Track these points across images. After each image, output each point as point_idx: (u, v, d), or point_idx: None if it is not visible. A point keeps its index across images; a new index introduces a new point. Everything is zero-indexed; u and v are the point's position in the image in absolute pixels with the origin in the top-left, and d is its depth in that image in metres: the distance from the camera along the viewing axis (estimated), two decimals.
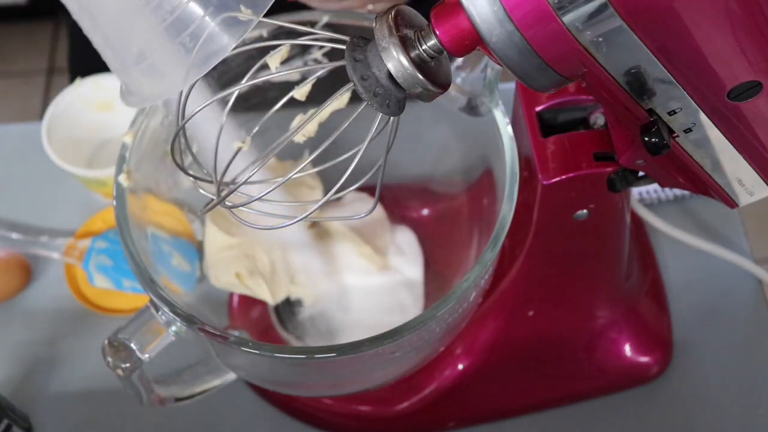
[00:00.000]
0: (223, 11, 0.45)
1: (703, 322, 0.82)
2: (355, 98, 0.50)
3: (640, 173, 0.61)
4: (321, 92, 0.54)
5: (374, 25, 0.46)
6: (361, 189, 0.57)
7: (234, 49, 0.48)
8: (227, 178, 0.56)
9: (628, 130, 0.57)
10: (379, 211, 0.81)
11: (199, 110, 0.53)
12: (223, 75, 0.67)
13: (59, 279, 0.84)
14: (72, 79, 1.05)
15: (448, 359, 0.76)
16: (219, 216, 0.75)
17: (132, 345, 0.58)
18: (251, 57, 0.64)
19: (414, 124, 0.64)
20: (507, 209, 0.60)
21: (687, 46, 0.43)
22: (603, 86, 0.46)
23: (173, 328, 0.59)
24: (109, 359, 0.59)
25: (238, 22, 0.46)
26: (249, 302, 0.78)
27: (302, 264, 0.78)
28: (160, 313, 0.59)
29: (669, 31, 0.42)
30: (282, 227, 0.53)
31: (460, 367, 0.77)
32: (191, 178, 0.57)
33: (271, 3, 0.46)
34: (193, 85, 0.54)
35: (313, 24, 0.67)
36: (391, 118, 0.50)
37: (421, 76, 0.46)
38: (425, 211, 0.83)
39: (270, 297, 0.76)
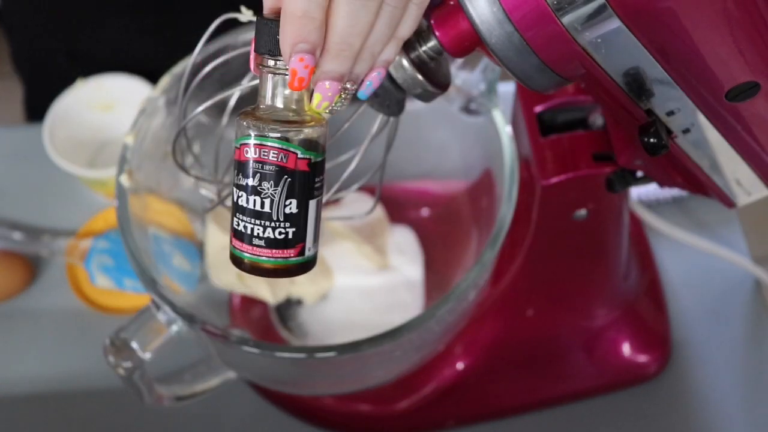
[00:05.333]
0: None
1: (701, 321, 0.82)
2: (355, 99, 0.51)
3: (639, 173, 0.62)
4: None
5: None
6: (361, 189, 0.58)
7: (235, 50, 0.49)
8: (228, 179, 0.57)
9: (627, 131, 0.57)
10: (379, 211, 0.81)
11: (200, 110, 0.53)
12: (224, 76, 0.67)
13: (61, 279, 0.85)
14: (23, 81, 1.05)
15: (448, 358, 0.77)
16: (220, 216, 0.75)
17: (133, 344, 0.59)
18: None
19: (414, 124, 0.64)
20: (506, 209, 0.61)
21: (685, 47, 0.43)
22: (602, 87, 0.47)
23: (174, 327, 0.59)
24: (111, 358, 0.59)
25: None
26: (250, 302, 0.78)
27: None
28: (161, 312, 0.59)
29: (667, 32, 0.42)
30: None
31: (460, 366, 0.77)
32: (193, 178, 0.57)
33: None
34: (193, 86, 0.54)
35: None
36: (391, 118, 0.50)
37: (420, 77, 0.47)
38: (425, 211, 0.83)
39: (271, 296, 0.76)
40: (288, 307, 0.79)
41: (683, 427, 0.77)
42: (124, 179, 0.63)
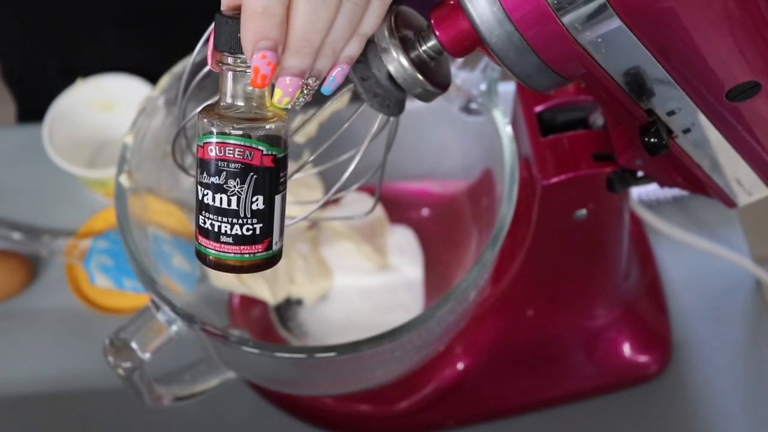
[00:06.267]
0: None
1: (702, 321, 0.82)
2: (355, 99, 0.51)
3: (639, 173, 0.62)
4: (321, 93, 0.55)
5: None
6: (361, 189, 0.58)
7: None
8: None
9: (628, 131, 0.57)
10: (379, 211, 0.81)
11: (200, 110, 0.53)
12: None
13: (61, 279, 0.85)
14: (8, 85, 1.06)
15: (448, 358, 0.77)
16: None
17: (133, 344, 0.59)
18: None
19: (414, 124, 0.64)
20: (506, 209, 0.61)
21: (686, 46, 0.43)
22: (602, 87, 0.47)
23: (174, 327, 0.59)
24: (111, 359, 0.59)
25: None
26: (249, 302, 0.78)
27: (302, 263, 0.78)
28: (160, 312, 0.59)
29: (668, 31, 0.42)
30: None
31: (460, 366, 0.77)
32: (192, 178, 0.57)
33: None
34: (193, 86, 0.54)
35: None
36: (391, 118, 0.50)
37: (420, 77, 0.47)
38: (425, 211, 0.83)
39: (271, 297, 0.76)
40: (288, 307, 0.79)
41: (683, 427, 0.77)
42: (124, 179, 0.63)
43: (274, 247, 0.46)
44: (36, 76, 1.02)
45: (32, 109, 0.95)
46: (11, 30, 0.97)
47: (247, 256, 0.45)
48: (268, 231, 0.45)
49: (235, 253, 0.45)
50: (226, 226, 0.44)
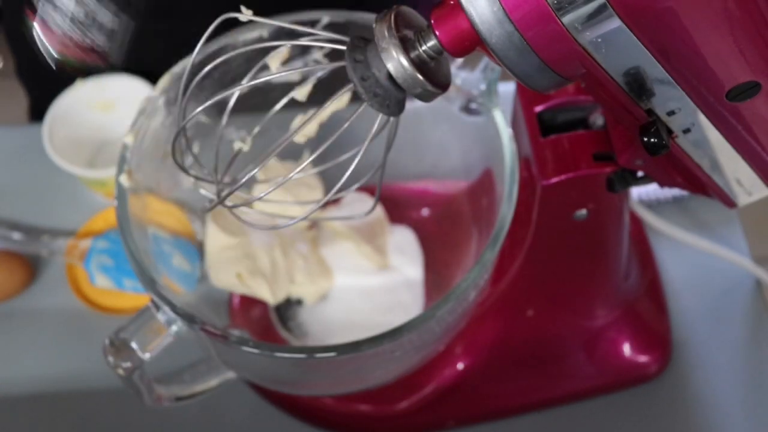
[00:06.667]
0: None
1: (702, 322, 0.82)
2: (355, 99, 0.51)
3: (639, 173, 0.62)
4: (321, 93, 0.55)
5: (374, 25, 0.46)
6: (361, 189, 0.58)
7: (235, 50, 0.49)
8: (228, 179, 0.57)
9: (627, 131, 0.57)
10: (379, 211, 0.81)
11: (200, 110, 0.53)
12: (224, 76, 0.67)
13: (60, 279, 0.85)
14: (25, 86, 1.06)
15: (448, 358, 0.77)
16: (220, 216, 0.75)
17: (133, 344, 0.59)
18: (252, 58, 0.64)
19: (414, 124, 0.64)
20: (506, 209, 0.61)
21: (686, 46, 0.43)
22: (602, 87, 0.46)
23: (174, 327, 0.59)
24: (110, 359, 0.59)
25: None
26: (249, 302, 0.78)
27: (302, 263, 0.78)
28: (160, 312, 0.59)
29: (668, 31, 0.42)
30: (282, 227, 0.53)
31: (460, 366, 0.77)
32: (192, 178, 0.57)
33: None
34: (193, 86, 0.54)
35: (313, 24, 0.67)
36: (391, 118, 0.50)
37: (420, 77, 0.47)
38: (425, 211, 0.83)
39: (271, 297, 0.76)
40: (288, 307, 0.79)
41: (684, 428, 0.77)
42: (124, 179, 0.63)
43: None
44: (45, 74, 1.02)
45: (43, 107, 0.96)
46: (19, 28, 0.98)
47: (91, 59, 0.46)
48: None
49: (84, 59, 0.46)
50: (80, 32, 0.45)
